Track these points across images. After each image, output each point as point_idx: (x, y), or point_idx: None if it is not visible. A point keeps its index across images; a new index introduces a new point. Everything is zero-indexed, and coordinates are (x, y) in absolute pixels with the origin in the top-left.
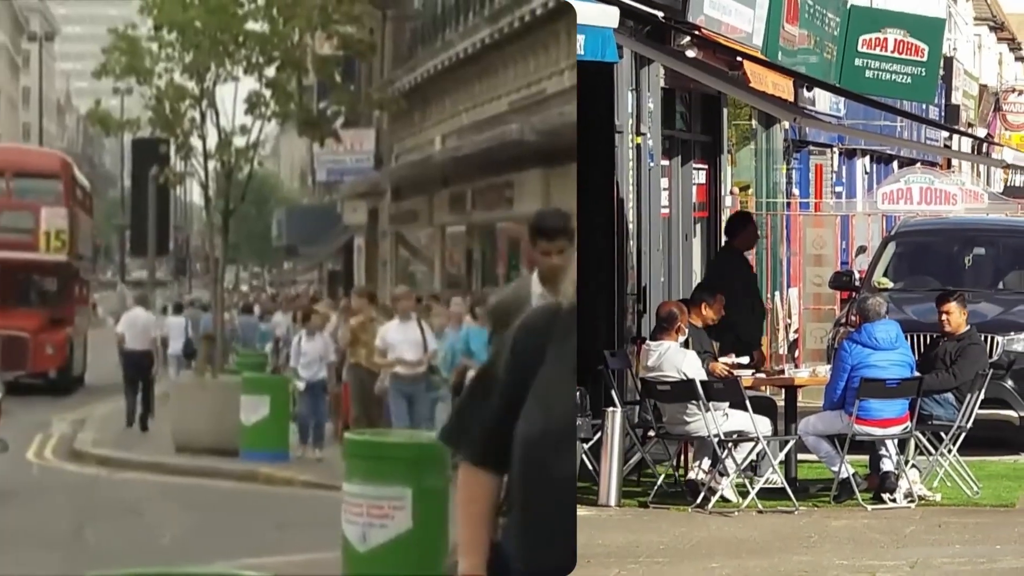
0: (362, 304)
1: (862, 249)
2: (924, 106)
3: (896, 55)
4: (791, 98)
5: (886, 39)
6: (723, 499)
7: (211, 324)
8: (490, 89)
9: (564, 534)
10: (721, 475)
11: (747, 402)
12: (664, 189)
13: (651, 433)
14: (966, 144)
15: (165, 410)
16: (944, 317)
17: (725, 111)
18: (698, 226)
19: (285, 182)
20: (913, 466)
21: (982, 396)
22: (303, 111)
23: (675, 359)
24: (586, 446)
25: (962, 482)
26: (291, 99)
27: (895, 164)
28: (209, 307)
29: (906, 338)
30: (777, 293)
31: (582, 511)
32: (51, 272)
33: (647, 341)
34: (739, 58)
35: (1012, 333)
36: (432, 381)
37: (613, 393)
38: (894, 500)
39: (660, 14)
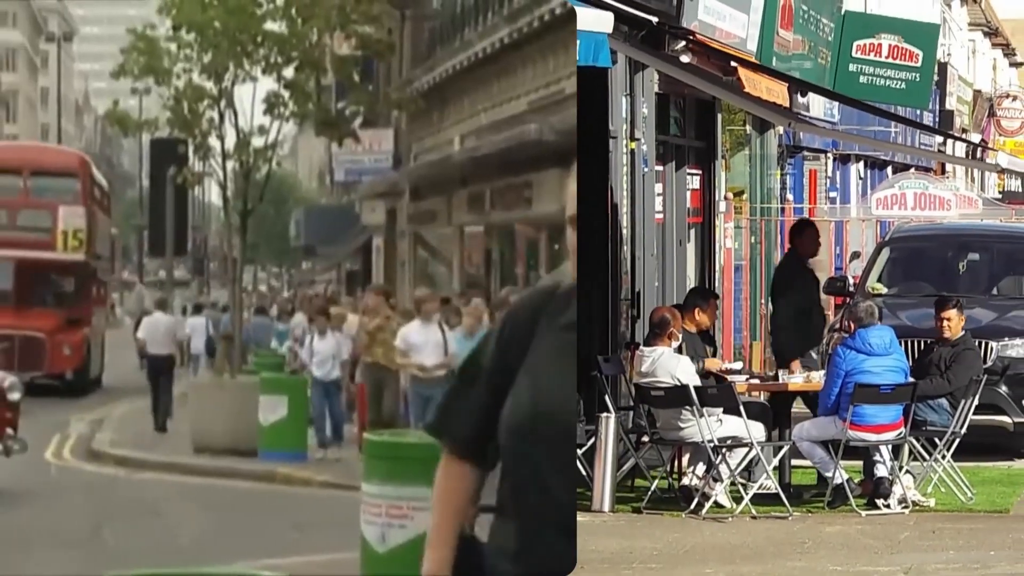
0: (378, 302)
1: (856, 255)
2: (918, 111)
3: (890, 60)
4: (785, 103)
5: (880, 44)
6: (717, 505)
7: (229, 324)
8: (509, 89)
9: (564, 531)
10: (715, 481)
11: (741, 407)
12: (658, 194)
13: (645, 439)
14: (960, 149)
15: (184, 411)
16: (944, 323)
17: (719, 116)
18: (692, 231)
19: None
20: (907, 472)
21: (976, 402)
22: (321, 111)
23: (669, 364)
24: (580, 451)
25: (956, 488)
26: (309, 99)
27: (889, 169)
28: (227, 308)
29: (900, 344)
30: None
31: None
32: (68, 272)
33: (641, 346)
34: (733, 63)
35: (1006, 339)
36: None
37: (607, 398)
38: (888, 506)
39: (654, 19)
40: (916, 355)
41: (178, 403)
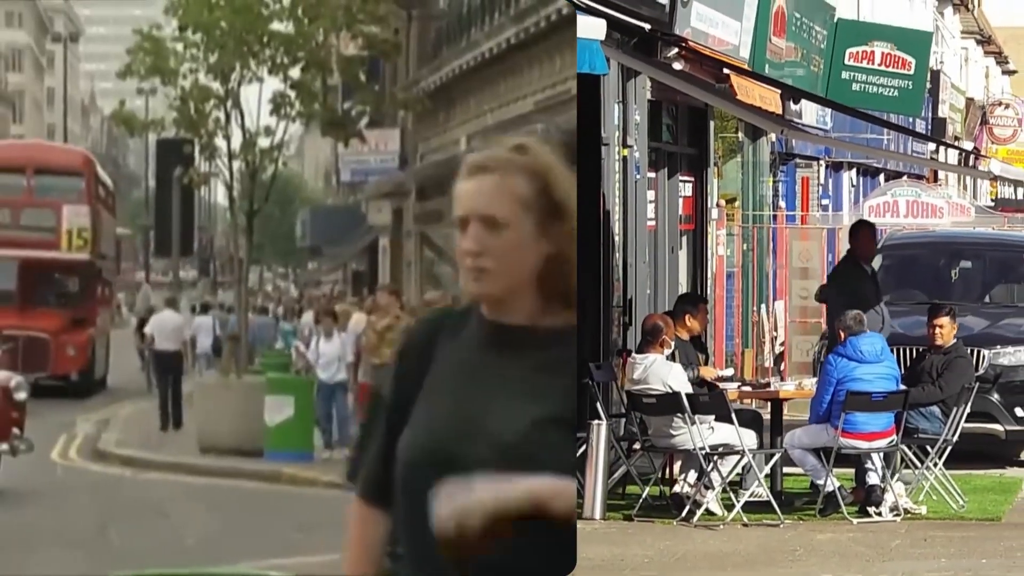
0: (390, 301)
1: None
2: (911, 119)
3: (883, 68)
4: (778, 111)
5: (873, 52)
6: (708, 512)
7: (236, 324)
8: (515, 89)
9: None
10: (706, 488)
11: (733, 415)
12: (650, 201)
13: (636, 446)
14: (953, 157)
15: (190, 411)
16: (936, 331)
17: (712, 123)
18: (684, 238)
19: (309, 182)
20: (899, 479)
21: (968, 410)
22: (328, 111)
23: (661, 372)
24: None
25: (948, 496)
26: (316, 99)
27: (881, 177)
28: (233, 308)
29: (892, 351)
30: (763, 306)
31: None
32: (73, 271)
33: (633, 354)
34: (726, 70)
35: (998, 347)
36: None
37: (598, 406)
38: (880, 514)
39: (647, 26)
40: (908, 363)
41: (184, 403)
